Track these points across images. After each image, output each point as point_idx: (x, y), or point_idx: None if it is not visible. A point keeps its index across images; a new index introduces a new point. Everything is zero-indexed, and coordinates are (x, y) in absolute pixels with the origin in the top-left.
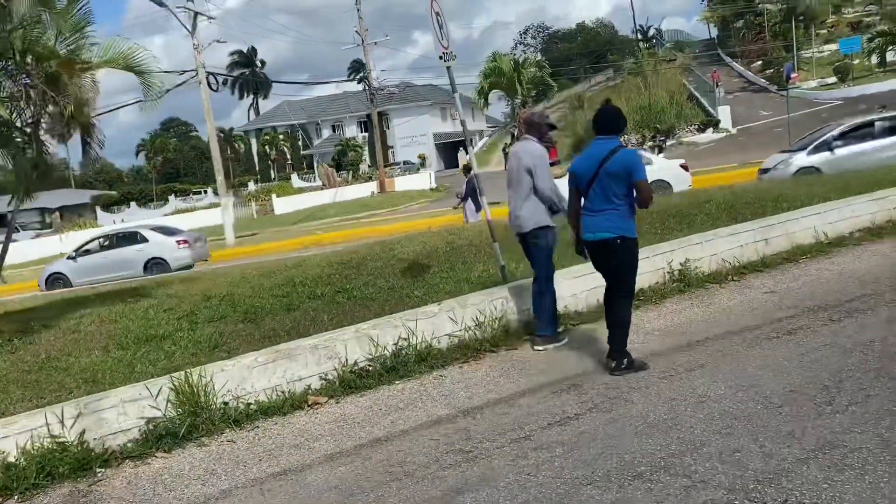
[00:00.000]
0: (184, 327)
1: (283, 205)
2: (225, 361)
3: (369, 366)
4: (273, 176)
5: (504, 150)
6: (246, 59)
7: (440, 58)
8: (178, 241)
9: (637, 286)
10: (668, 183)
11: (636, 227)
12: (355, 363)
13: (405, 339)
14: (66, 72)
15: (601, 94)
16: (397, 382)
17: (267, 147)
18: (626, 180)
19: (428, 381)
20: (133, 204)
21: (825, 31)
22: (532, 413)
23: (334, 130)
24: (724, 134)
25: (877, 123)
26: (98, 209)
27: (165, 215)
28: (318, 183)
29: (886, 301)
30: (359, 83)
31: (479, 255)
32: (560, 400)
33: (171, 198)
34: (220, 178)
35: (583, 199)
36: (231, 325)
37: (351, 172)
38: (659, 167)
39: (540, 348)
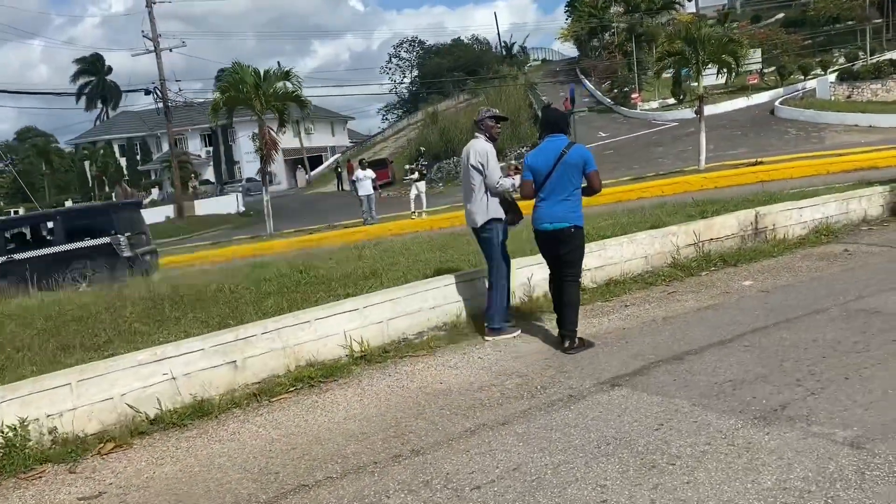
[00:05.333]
0: None
1: None
2: None
3: None
4: (97, 194)
5: (337, 170)
6: (92, 67)
7: None
8: None
9: None
10: None
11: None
12: None
13: None
14: None
15: (459, 112)
16: None
17: (90, 162)
18: (582, 170)
19: None
20: None
21: None
22: None
23: (176, 144)
24: None
25: None
26: None
27: None
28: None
29: None
30: (147, 94)
31: None
32: None
33: None
34: None
35: (538, 191)
36: None
37: (141, 193)
38: None
39: (490, 339)
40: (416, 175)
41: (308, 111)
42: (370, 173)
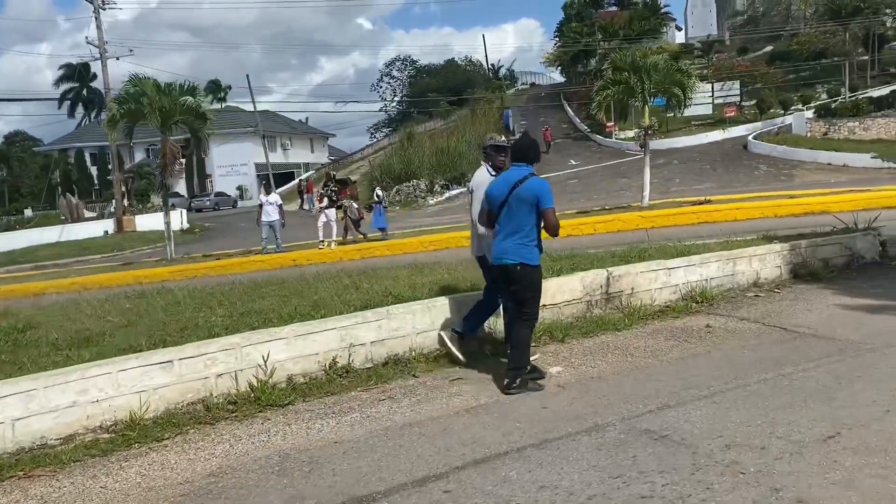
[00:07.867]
0: None
1: None
2: None
3: None
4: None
5: (300, 189)
6: (77, 74)
7: None
8: None
9: None
10: None
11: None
12: None
13: None
14: None
15: (437, 134)
16: None
17: (56, 169)
18: (535, 207)
19: None
20: None
21: None
22: None
23: (148, 154)
24: None
25: None
26: None
27: None
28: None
29: None
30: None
31: None
32: None
33: None
34: None
35: (496, 222)
36: None
37: (102, 205)
38: None
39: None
40: (324, 202)
41: (208, 125)
42: (276, 199)
